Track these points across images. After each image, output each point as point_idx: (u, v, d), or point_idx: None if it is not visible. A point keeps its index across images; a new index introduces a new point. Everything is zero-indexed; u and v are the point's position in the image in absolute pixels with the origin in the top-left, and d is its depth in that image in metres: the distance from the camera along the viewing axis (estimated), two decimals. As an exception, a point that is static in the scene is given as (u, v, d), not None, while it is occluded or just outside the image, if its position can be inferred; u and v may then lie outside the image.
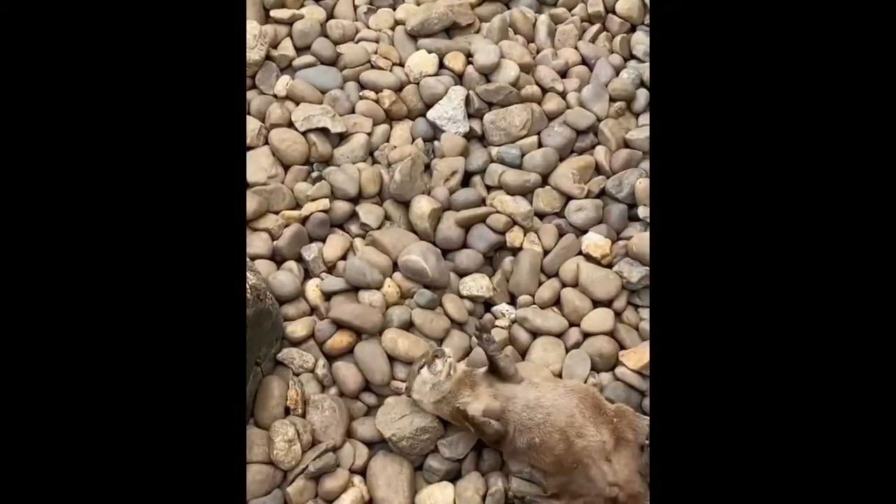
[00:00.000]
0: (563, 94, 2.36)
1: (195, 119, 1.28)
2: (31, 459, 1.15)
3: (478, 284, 2.06)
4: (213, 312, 1.24)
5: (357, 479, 1.82)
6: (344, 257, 2.09)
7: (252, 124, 2.20)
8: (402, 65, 2.38)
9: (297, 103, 2.25)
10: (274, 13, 2.38)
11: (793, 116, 1.26)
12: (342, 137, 2.26)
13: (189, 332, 1.23)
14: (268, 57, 2.30)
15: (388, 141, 2.29)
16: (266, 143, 2.20)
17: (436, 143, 2.29)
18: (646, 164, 2.24)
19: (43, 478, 1.15)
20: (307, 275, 2.07)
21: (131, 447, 1.19)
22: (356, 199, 2.17)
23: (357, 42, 2.40)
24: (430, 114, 2.29)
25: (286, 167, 2.19)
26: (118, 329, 1.20)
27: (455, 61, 2.36)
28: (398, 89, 2.33)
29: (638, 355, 1.94)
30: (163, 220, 1.24)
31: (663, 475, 1.25)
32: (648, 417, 1.84)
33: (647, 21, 2.51)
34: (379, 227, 2.13)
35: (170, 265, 1.23)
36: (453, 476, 1.84)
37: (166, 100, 1.27)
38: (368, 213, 2.13)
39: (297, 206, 2.15)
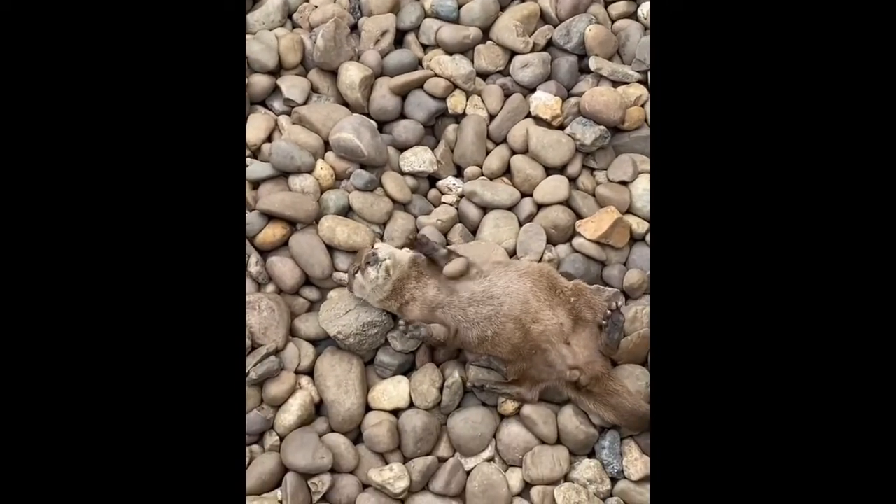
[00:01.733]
0: (500, -71, 2.08)
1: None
2: (32, 455, 1.13)
3: (420, 159, 1.88)
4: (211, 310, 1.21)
5: (304, 381, 1.71)
6: (269, 139, 1.88)
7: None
8: None
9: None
10: None
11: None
12: (255, 0, 1.99)
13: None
14: None
15: (307, 0, 2.02)
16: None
17: (361, -2, 2.04)
18: (595, 9, 2.02)
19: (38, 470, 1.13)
20: (230, 162, 1.85)
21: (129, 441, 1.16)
22: (276, 72, 1.94)
23: None
24: (352, -36, 2.02)
25: (193, 40, 1.93)
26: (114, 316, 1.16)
27: None
28: (313, -63, 2.04)
29: (596, 224, 1.80)
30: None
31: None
32: (609, 290, 1.73)
33: None
34: (305, 102, 1.91)
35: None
36: (407, 369, 1.74)
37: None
38: (292, 86, 1.91)
39: (210, 83, 1.90)
